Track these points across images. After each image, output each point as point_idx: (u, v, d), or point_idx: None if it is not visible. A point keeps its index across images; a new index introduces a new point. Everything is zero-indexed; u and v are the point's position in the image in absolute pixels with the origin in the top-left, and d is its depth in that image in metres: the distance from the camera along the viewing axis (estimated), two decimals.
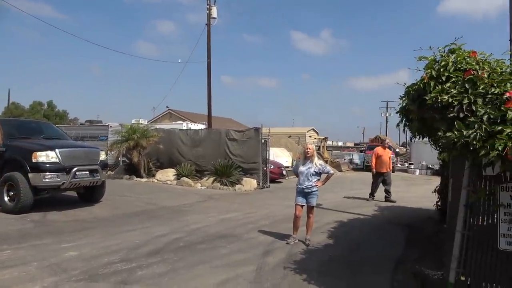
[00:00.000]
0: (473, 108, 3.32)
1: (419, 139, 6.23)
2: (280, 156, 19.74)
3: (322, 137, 31.38)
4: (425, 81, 3.69)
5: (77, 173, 8.37)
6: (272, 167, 15.41)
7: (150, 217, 8.11)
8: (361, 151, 30.86)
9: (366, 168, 26.19)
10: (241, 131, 15.10)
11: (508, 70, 3.54)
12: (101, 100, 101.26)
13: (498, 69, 3.57)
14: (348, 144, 57.21)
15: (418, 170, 25.51)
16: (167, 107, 34.88)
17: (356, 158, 30.46)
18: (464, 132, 3.21)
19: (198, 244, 6.10)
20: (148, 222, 7.57)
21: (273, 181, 15.56)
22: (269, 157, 14.79)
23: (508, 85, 3.30)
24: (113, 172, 15.57)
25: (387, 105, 56.92)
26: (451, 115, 3.38)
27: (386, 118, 57.15)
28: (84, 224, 7.23)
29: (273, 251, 5.85)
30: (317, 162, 6.30)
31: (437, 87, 3.59)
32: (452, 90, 3.46)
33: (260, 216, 8.70)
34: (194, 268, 4.92)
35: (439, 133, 3.41)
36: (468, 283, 3.74)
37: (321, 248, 6.13)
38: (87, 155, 8.93)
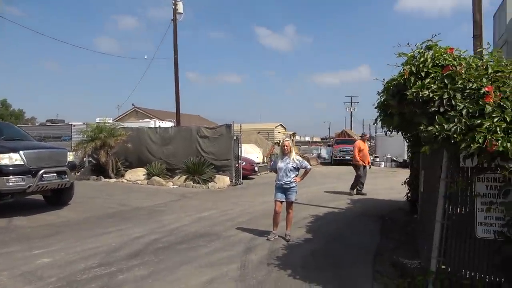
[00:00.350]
0: (453, 102, 3.44)
1: (396, 133, 6.42)
2: (251, 152, 19.76)
3: (291, 133, 31.73)
4: (405, 76, 3.79)
5: (44, 175, 7.97)
6: (244, 163, 15.39)
7: (124, 219, 7.87)
8: (328, 146, 31.49)
9: (334, 162, 26.79)
10: (213, 128, 14.96)
11: (483, 66, 3.69)
12: (60, 98, 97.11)
13: (473, 64, 3.72)
14: (315, 139, 58.21)
15: (383, 163, 26.33)
16: (132, 104, 33.95)
17: (324, 153, 31.07)
18: (445, 126, 3.33)
19: (178, 244, 5.99)
20: (123, 224, 7.34)
21: (245, 177, 15.54)
22: (241, 153, 14.75)
23: (484, 80, 3.45)
24: (79, 173, 14.97)
25: (351, 100, 58.55)
26: (432, 109, 3.49)
27: (351, 112, 58.74)
28: (55, 229, 6.90)
29: (254, 248, 5.85)
30: (295, 158, 6.34)
31: (417, 83, 3.69)
32: (432, 85, 3.57)
33: (237, 213, 8.66)
34: (177, 269, 4.82)
35: (421, 127, 3.51)
36: (449, 270, 3.89)
37: (301, 243, 6.19)
38: (54, 156, 8.52)
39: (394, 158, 26.05)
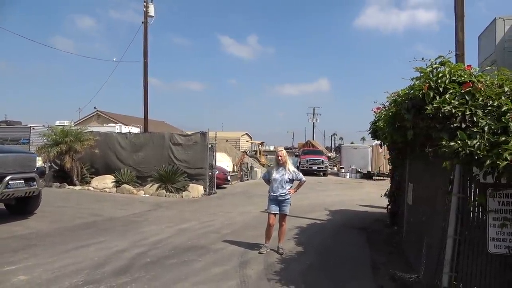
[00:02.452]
0: (474, 119, 3.46)
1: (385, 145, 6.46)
2: (221, 161, 19.39)
3: (259, 142, 31.71)
4: (424, 91, 3.78)
5: (10, 182, 7.28)
6: (217, 172, 15.07)
7: (101, 230, 7.33)
8: (296, 156, 31.74)
9: (301, 172, 26.95)
10: (187, 135, 14.55)
11: (498, 84, 3.77)
12: (9, 99, 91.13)
13: (489, 82, 3.79)
14: (280, 149, 58.70)
15: (348, 174, 26.87)
16: (95, 108, 32.33)
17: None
18: (468, 142, 3.33)
19: (167, 258, 5.62)
20: (101, 236, 6.83)
21: (217, 186, 15.21)
22: (215, 162, 14.44)
23: (503, 97, 3.51)
24: None
25: (314, 111, 59.81)
26: (454, 125, 3.49)
27: (313, 123, 59.93)
28: (25, 242, 6.27)
29: (249, 262, 5.61)
30: (291, 169, 6.22)
31: (436, 98, 3.70)
32: (453, 101, 3.58)
33: (219, 225, 8.38)
34: (174, 287, 4.49)
35: (443, 143, 3.49)
36: (460, 286, 3.88)
37: (295, 256, 6.03)
38: (21, 162, 7.82)
39: (359, 170, 26.67)
